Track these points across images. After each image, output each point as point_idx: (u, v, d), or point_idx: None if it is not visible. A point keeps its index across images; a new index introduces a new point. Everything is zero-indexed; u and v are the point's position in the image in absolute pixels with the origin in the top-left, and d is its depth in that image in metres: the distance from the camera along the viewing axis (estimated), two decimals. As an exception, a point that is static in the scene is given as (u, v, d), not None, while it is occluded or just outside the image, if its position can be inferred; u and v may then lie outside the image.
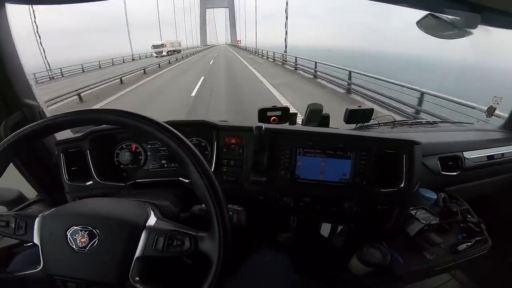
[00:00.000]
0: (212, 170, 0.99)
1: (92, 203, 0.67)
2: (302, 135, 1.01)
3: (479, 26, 1.10)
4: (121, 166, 1.09)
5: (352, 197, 1.00)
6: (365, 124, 1.42)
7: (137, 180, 1.04)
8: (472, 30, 1.11)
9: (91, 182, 1.00)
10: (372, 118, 1.37)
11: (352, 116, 1.30)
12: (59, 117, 0.59)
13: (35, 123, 0.58)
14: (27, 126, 0.58)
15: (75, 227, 0.57)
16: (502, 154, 1.40)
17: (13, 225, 0.59)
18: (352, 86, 9.02)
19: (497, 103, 1.81)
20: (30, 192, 1.19)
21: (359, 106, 1.31)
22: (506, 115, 1.63)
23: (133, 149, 1.09)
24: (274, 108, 1.19)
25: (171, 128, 0.59)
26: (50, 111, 1.14)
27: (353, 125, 1.41)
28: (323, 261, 1.03)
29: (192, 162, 0.58)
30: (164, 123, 0.59)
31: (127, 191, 1.00)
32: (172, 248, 0.57)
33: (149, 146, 1.09)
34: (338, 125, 1.33)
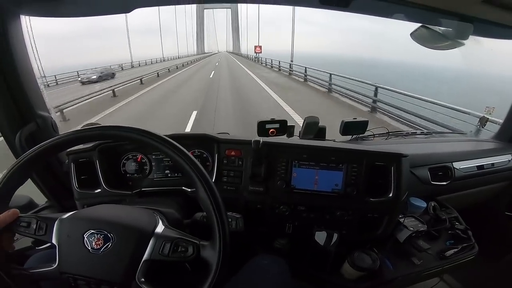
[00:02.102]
0: (213, 179, 1.07)
1: (107, 210, 0.74)
2: (297, 148, 1.09)
3: (470, 36, 1.17)
4: (128, 175, 1.16)
5: (344, 206, 1.07)
6: (360, 135, 1.49)
7: (143, 189, 1.10)
8: (464, 41, 1.18)
9: (100, 190, 1.06)
10: (368, 129, 1.44)
11: (348, 128, 1.38)
12: (72, 134, 0.67)
13: (53, 138, 0.66)
14: (45, 142, 0.65)
15: (92, 231, 0.63)
16: (493, 164, 1.45)
17: (34, 226, 0.65)
18: (378, 103, 7.78)
19: (489, 113, 1.87)
20: (39, 198, 1.25)
21: (354, 118, 1.38)
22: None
23: (139, 160, 1.15)
24: (272, 121, 1.26)
25: (178, 145, 0.67)
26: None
27: (349, 137, 1.48)
28: (317, 266, 1.09)
29: (198, 177, 0.65)
30: (169, 139, 0.67)
31: (133, 198, 1.07)
32: (177, 254, 0.64)
33: (153, 157, 1.16)
34: (335, 136, 1.41)
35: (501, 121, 1.70)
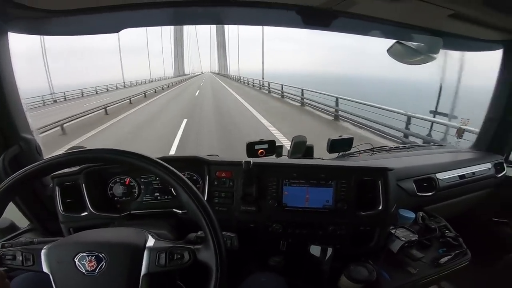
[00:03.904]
0: None
1: (93, 233, 0.74)
2: (287, 168, 1.13)
3: (441, 50, 1.28)
4: (115, 199, 1.15)
5: (335, 221, 1.10)
6: (346, 152, 1.54)
7: (132, 212, 1.10)
8: (435, 55, 1.28)
9: (86, 213, 1.06)
10: (353, 146, 1.50)
11: (334, 145, 1.43)
12: (55, 158, 0.66)
13: (38, 163, 0.65)
14: (30, 166, 0.64)
15: (82, 254, 0.63)
16: (474, 173, 1.53)
17: (21, 258, 0.64)
18: (340, 112, 9.26)
19: (465, 124, 1.98)
20: (22, 220, 1.21)
21: (340, 136, 1.45)
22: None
23: (127, 183, 1.15)
24: (261, 142, 1.30)
25: (167, 165, 0.69)
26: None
27: (336, 154, 1.54)
28: (314, 281, 1.09)
29: (186, 192, 0.67)
30: (159, 160, 0.69)
31: (122, 221, 1.06)
32: (174, 262, 0.65)
33: (142, 180, 1.16)
34: (322, 154, 1.46)
35: (477, 130, 1.80)
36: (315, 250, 1.06)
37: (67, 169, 1.03)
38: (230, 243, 0.80)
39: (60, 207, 1.06)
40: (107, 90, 30.81)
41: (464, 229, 1.32)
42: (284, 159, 1.38)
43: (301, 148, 1.41)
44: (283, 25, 1.31)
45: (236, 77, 39.90)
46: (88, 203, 1.06)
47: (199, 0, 0.97)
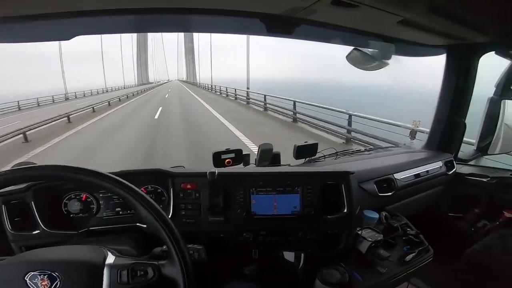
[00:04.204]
0: (170, 214, 1.06)
1: (45, 251, 0.68)
2: (253, 176, 1.13)
3: (393, 56, 1.37)
4: (71, 215, 1.07)
5: (304, 226, 1.12)
6: (312, 157, 1.58)
7: (90, 228, 1.04)
8: (388, 61, 1.37)
9: (38, 231, 0.98)
10: (318, 151, 1.54)
11: (300, 151, 1.45)
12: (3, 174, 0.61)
13: None
14: None
15: (32, 273, 0.58)
16: (427, 171, 1.63)
17: None
18: (298, 115, 10.31)
19: (417, 126, 2.13)
20: None
21: (305, 142, 1.47)
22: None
23: (83, 199, 1.08)
24: (228, 151, 1.28)
25: (121, 179, 0.65)
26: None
27: (303, 160, 1.56)
28: (290, 287, 1.09)
29: (145, 207, 0.64)
30: (112, 175, 0.65)
31: (80, 238, 1.00)
32: (137, 279, 0.61)
33: (101, 195, 1.09)
34: (289, 160, 1.48)
35: (428, 130, 1.94)
36: (289, 256, 1.06)
37: (13, 186, 0.97)
38: (198, 255, 0.78)
39: (8, 226, 0.98)
40: (38, 105, 23.89)
41: (423, 226, 1.39)
42: (251, 167, 1.37)
43: (268, 155, 1.41)
44: (247, 33, 1.34)
45: (207, 86, 35.25)
46: (40, 221, 0.99)
47: (160, 8, 0.94)
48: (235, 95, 18.73)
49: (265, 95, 13.36)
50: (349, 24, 1.15)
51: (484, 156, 1.88)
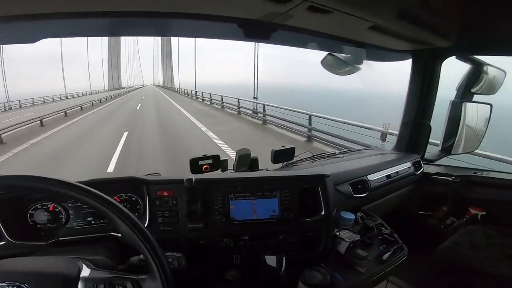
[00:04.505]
0: (147, 222, 1.03)
1: (13, 261, 0.63)
2: (231, 182, 1.12)
3: (364, 61, 1.42)
4: (38, 226, 1.01)
5: (284, 230, 1.12)
6: (289, 161, 1.59)
7: (60, 238, 0.98)
8: (360, 66, 1.42)
9: (3, 242, 0.92)
10: (296, 155, 1.55)
11: (278, 156, 1.46)
12: None
13: None
14: None
15: (0, 284, 0.53)
16: (397, 172, 1.70)
17: None
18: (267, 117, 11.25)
19: (387, 129, 2.23)
20: None
21: (282, 146, 1.48)
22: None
23: (51, 209, 1.02)
24: (205, 157, 1.26)
25: (83, 186, 0.62)
26: None
27: (280, 164, 1.57)
28: None
29: (118, 216, 0.61)
30: (80, 184, 0.62)
31: (50, 249, 0.94)
32: None
33: (70, 205, 1.03)
34: (267, 165, 1.48)
35: (397, 133, 2.03)
36: (271, 260, 1.05)
37: None
38: (178, 263, 0.75)
39: None
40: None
41: (397, 224, 1.45)
42: (229, 173, 1.36)
43: (246, 161, 1.41)
44: (225, 38, 1.33)
45: (188, 92, 31.44)
46: (4, 232, 0.92)
47: (135, 12, 0.91)
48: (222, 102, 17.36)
49: (238, 100, 14.31)
50: (323, 30, 1.19)
51: (448, 156, 1.99)
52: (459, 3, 0.99)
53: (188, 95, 31.36)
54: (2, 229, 0.92)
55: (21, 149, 7.94)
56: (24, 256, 0.71)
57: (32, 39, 1.00)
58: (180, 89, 42.10)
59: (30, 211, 1.00)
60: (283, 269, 1.04)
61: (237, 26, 1.06)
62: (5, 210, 0.95)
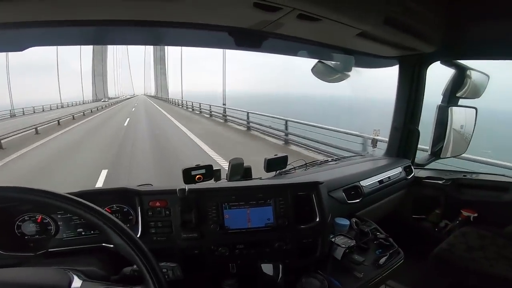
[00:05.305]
0: (139, 232, 1.01)
1: (1, 272, 0.60)
2: (224, 191, 1.13)
3: (353, 68, 1.45)
4: (26, 237, 0.98)
5: (279, 237, 1.12)
6: (283, 170, 1.59)
7: (50, 250, 0.95)
8: (349, 73, 1.44)
9: None
10: (289, 163, 1.55)
11: (271, 164, 1.45)
12: None
13: None
14: None
15: None
16: (389, 177, 1.72)
17: None
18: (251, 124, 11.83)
19: (377, 135, 2.26)
20: None
21: (275, 155, 1.48)
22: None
23: (39, 220, 0.99)
24: (198, 167, 1.24)
25: (72, 197, 0.61)
26: None
27: (274, 172, 1.56)
28: None
29: (109, 226, 0.60)
30: (69, 195, 0.60)
31: (39, 260, 0.92)
32: None
33: (59, 216, 1.01)
34: (260, 174, 1.47)
35: (387, 139, 2.06)
36: (267, 268, 1.04)
37: None
38: (172, 273, 0.74)
39: None
40: None
41: (391, 229, 1.45)
42: (223, 182, 1.35)
43: (239, 170, 1.40)
44: (216, 46, 1.34)
45: (188, 104, 24.72)
46: None
47: (125, 20, 0.91)
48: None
49: (225, 108, 14.84)
50: (313, 37, 1.21)
51: (437, 160, 2.03)
52: (442, 9, 1.03)
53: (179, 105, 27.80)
54: None
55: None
56: (12, 267, 0.69)
57: (21, 47, 1.00)
58: (173, 100, 35.97)
59: (17, 222, 0.98)
60: (280, 276, 1.03)
61: (228, 34, 1.07)
62: None
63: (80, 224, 1.02)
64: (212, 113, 17.12)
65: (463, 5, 1.02)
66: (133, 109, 28.59)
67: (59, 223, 1.00)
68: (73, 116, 20.03)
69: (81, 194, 0.61)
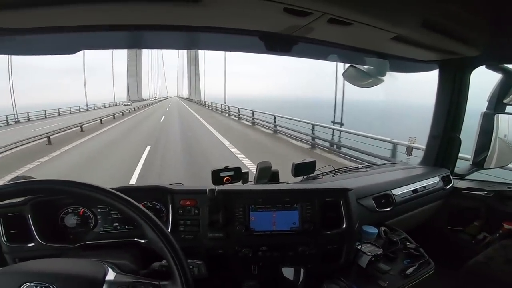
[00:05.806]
0: (169, 229, 1.06)
1: (43, 262, 0.66)
2: (252, 194, 1.14)
3: (388, 73, 1.40)
4: (67, 229, 1.07)
5: (304, 242, 1.12)
6: (310, 175, 1.57)
7: (87, 242, 1.02)
8: (383, 78, 1.39)
9: (33, 244, 0.98)
10: (316, 169, 1.54)
11: (298, 169, 1.45)
12: (6, 187, 0.61)
13: None
14: None
15: (29, 283, 0.56)
16: (424, 187, 1.64)
17: None
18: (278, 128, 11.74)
19: (413, 143, 2.15)
20: None
21: (303, 160, 1.48)
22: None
23: (81, 213, 1.08)
24: (226, 169, 1.27)
25: (122, 195, 0.65)
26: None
27: (301, 177, 1.55)
28: None
29: (146, 221, 0.64)
30: (114, 191, 0.65)
31: (77, 252, 0.98)
32: None
33: (99, 210, 1.09)
34: (287, 178, 1.47)
35: (424, 147, 1.95)
36: (288, 272, 1.06)
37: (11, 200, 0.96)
38: (198, 270, 0.77)
39: (3, 238, 0.97)
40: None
41: (423, 239, 1.39)
42: (250, 185, 1.37)
43: (267, 173, 1.41)
44: (247, 51, 1.37)
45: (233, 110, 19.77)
46: (36, 234, 0.98)
47: (166, 25, 0.97)
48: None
49: (253, 111, 14.87)
50: (344, 42, 1.19)
51: (480, 171, 1.89)
52: (486, 10, 0.96)
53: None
54: (34, 232, 0.98)
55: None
56: (52, 258, 0.75)
57: (72, 51, 1.08)
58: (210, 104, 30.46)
59: (61, 214, 1.07)
60: (300, 281, 1.03)
61: (259, 39, 1.09)
62: (38, 213, 1.01)
63: (116, 218, 1.09)
64: (240, 115, 17.41)
65: (509, 6, 0.94)
66: (165, 112, 26.76)
67: (98, 216, 1.09)
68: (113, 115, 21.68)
69: (120, 190, 0.66)
